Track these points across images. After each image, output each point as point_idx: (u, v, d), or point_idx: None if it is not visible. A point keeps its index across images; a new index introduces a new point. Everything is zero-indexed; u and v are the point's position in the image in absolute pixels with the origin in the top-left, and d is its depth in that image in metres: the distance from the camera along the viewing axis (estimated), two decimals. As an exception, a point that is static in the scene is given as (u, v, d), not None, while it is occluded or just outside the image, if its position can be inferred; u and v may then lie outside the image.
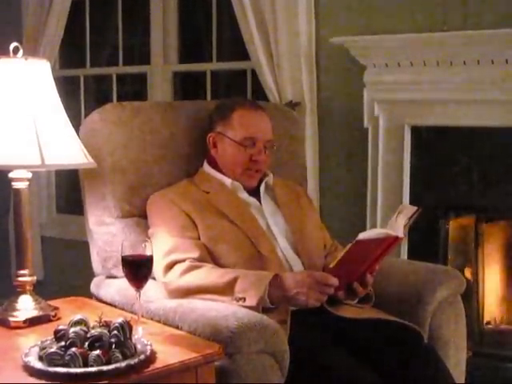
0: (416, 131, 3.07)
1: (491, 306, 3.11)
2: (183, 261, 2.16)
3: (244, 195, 2.39)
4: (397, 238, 2.07)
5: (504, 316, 3.12)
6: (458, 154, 2.98)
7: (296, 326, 2.06)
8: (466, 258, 3.10)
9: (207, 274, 2.13)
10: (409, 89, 3.01)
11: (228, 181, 2.39)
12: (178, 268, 2.15)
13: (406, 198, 3.07)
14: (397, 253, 3.07)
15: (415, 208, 2.12)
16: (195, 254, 2.19)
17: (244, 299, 2.03)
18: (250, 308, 2.00)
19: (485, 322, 3.09)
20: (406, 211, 2.10)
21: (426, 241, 3.04)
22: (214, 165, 2.44)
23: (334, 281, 2.04)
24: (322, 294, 2.05)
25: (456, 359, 2.36)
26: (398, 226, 2.07)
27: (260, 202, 2.41)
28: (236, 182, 2.39)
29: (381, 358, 2.08)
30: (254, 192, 2.42)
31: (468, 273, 3.08)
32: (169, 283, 2.16)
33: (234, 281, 2.07)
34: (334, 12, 3.26)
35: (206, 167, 2.46)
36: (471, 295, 3.04)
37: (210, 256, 2.22)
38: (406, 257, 3.08)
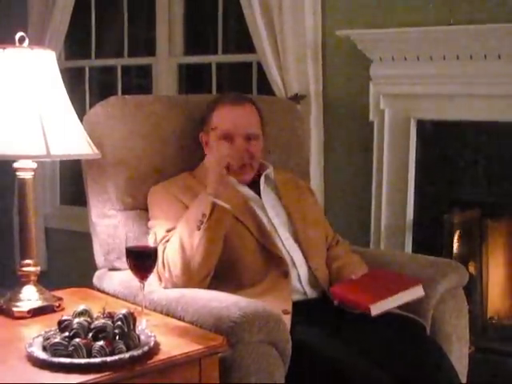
0: (422, 125, 3.06)
1: (495, 301, 3.11)
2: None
3: (244, 189, 2.40)
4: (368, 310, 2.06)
5: (508, 311, 3.12)
6: (463, 148, 2.98)
7: (297, 316, 2.07)
8: (471, 253, 3.09)
9: (176, 238, 2.15)
10: (415, 83, 3.00)
11: None
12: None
13: (410, 191, 3.06)
14: (401, 246, 3.07)
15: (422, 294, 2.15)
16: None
17: (204, 215, 2.08)
18: (215, 213, 2.07)
19: (488, 317, 3.08)
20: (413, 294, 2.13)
21: (430, 235, 3.03)
22: None
23: None
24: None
25: (458, 352, 2.36)
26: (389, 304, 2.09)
27: (260, 194, 2.41)
28: None
29: (382, 350, 2.08)
30: (255, 185, 2.42)
31: (472, 268, 3.07)
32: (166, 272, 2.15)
33: (187, 216, 2.14)
34: (341, 5, 3.25)
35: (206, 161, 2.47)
36: (475, 290, 3.03)
37: None
38: (410, 251, 3.07)
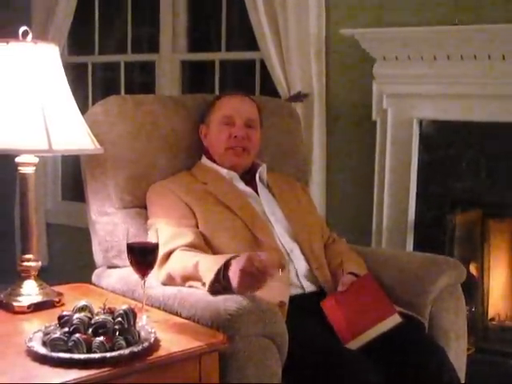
0: (424, 125, 3.05)
1: (496, 302, 3.11)
2: (174, 250, 2.15)
3: (240, 184, 2.43)
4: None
5: (508, 312, 3.12)
6: (465, 148, 2.97)
7: (294, 310, 2.07)
8: (472, 253, 3.09)
9: (181, 263, 2.12)
10: (418, 82, 3.00)
11: (224, 171, 2.43)
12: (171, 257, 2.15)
13: (412, 191, 3.06)
14: (402, 247, 3.06)
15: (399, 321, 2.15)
16: (187, 240, 2.17)
17: (205, 284, 2.00)
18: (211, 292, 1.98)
19: (489, 318, 3.08)
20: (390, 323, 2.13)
21: (432, 235, 3.03)
22: (210, 157, 2.49)
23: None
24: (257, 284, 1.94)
25: (456, 348, 2.36)
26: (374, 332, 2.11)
27: (257, 191, 2.43)
28: (232, 171, 2.42)
29: (380, 347, 2.08)
30: (250, 181, 2.45)
31: (473, 268, 3.07)
32: (159, 275, 2.16)
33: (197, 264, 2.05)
34: (345, 3, 3.25)
35: (204, 160, 2.51)
36: (476, 291, 3.03)
37: (208, 244, 2.22)
38: (411, 250, 3.07)
